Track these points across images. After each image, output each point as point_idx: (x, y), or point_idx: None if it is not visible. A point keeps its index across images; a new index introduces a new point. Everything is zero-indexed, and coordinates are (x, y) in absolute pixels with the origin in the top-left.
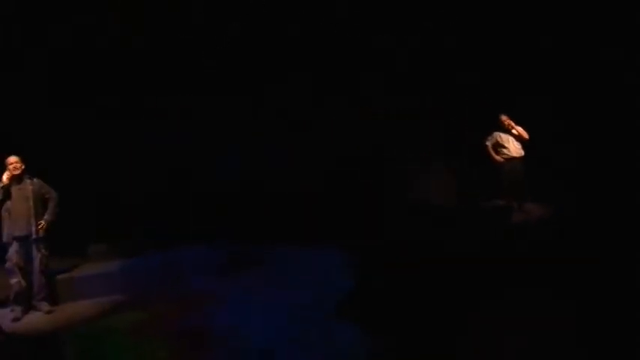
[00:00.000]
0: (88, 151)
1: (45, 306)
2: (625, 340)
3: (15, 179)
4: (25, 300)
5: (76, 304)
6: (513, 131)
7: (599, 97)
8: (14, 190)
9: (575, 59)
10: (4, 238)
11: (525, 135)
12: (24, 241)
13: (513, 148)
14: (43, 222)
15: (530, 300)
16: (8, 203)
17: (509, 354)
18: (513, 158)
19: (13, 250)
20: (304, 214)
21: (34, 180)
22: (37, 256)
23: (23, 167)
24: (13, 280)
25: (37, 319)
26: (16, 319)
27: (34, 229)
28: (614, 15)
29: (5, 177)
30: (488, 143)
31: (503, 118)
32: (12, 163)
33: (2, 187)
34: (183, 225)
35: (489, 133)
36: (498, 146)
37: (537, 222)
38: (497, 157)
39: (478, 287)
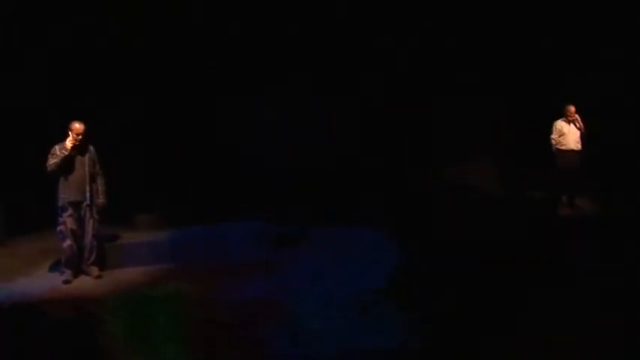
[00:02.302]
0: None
1: (94, 271)
2: None
3: (76, 147)
4: (76, 264)
5: (124, 270)
6: (576, 123)
7: None
8: (73, 156)
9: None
10: (59, 202)
11: (583, 128)
12: (77, 205)
13: (572, 140)
14: (99, 202)
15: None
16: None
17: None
18: (571, 151)
19: (67, 214)
20: (350, 196)
21: (90, 147)
22: (89, 221)
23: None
24: (66, 244)
25: (86, 283)
26: (66, 282)
27: (87, 194)
28: None
29: (69, 144)
30: (555, 137)
31: (572, 108)
32: (77, 131)
33: (66, 154)
34: (230, 202)
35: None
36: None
37: (584, 219)
38: (555, 149)
39: (518, 280)
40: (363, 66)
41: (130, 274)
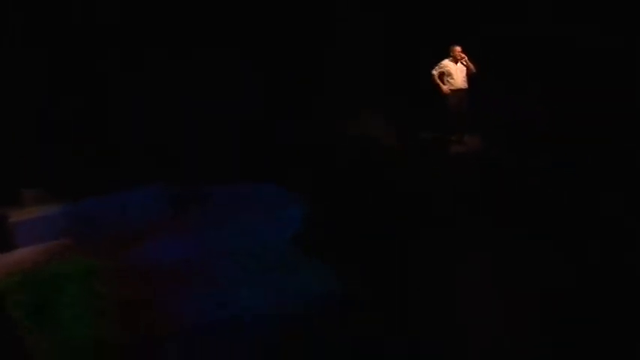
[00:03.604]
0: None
1: None
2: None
3: None
4: None
5: (18, 251)
6: (463, 62)
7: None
8: None
9: None
10: None
11: (473, 67)
12: None
13: (460, 79)
14: None
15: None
16: None
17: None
18: (459, 90)
19: None
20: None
21: None
22: None
23: None
24: None
25: None
26: None
27: None
28: None
29: None
30: (435, 72)
31: (458, 48)
32: None
33: None
34: (122, 169)
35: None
36: (444, 76)
37: (475, 154)
38: (444, 88)
39: (422, 219)
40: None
41: (25, 254)
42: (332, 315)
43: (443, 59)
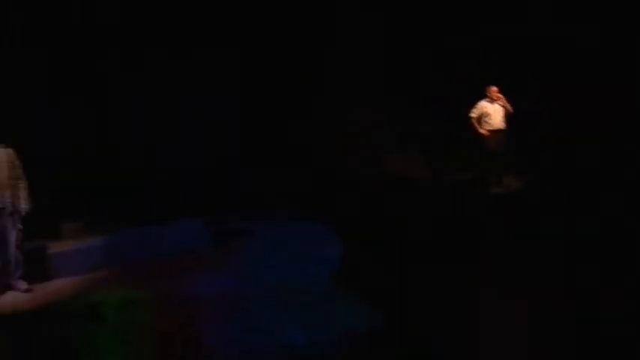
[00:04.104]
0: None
1: (23, 284)
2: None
3: None
4: (2, 278)
5: (55, 282)
6: (500, 102)
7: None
8: None
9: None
10: None
11: (510, 108)
12: None
13: (498, 120)
14: (22, 209)
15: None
16: None
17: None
18: (497, 130)
19: None
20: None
21: (9, 150)
22: (11, 232)
23: None
24: None
25: (16, 298)
26: None
27: (8, 200)
28: None
29: None
30: (474, 115)
31: (494, 88)
32: None
33: None
34: (157, 203)
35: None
36: (482, 117)
37: (515, 195)
38: (482, 130)
39: (459, 257)
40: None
41: (62, 285)
42: (369, 352)
43: (479, 100)
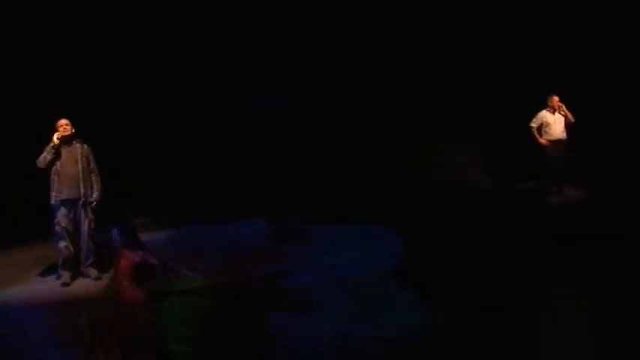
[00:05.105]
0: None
1: (93, 272)
2: None
3: (64, 141)
4: (74, 266)
5: None
6: (561, 111)
7: None
8: (64, 151)
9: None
10: (52, 200)
11: (571, 117)
12: (72, 204)
13: (559, 130)
14: (93, 199)
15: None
16: (57, 165)
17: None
18: (558, 140)
19: (62, 213)
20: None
21: (84, 145)
22: (85, 221)
23: (73, 130)
24: (62, 245)
25: (86, 284)
26: (65, 285)
27: (83, 192)
28: None
29: (55, 137)
30: (534, 125)
31: (555, 98)
32: (62, 125)
33: (52, 147)
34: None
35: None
36: (543, 127)
37: (574, 206)
38: (542, 140)
39: (518, 259)
40: None
41: None
42: (425, 349)
43: (540, 110)
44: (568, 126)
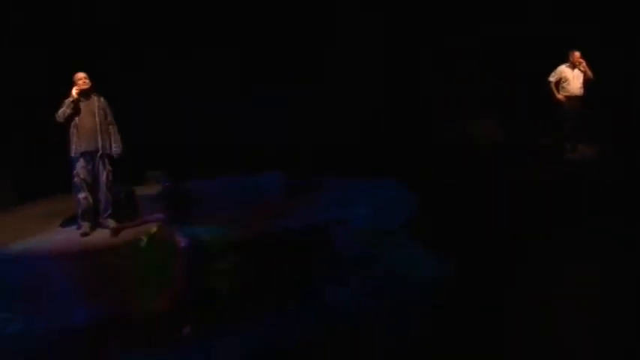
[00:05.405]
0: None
1: (111, 223)
2: None
3: (83, 94)
4: (92, 216)
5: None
6: (581, 67)
7: None
8: (82, 105)
9: None
10: (72, 153)
11: (591, 74)
12: (91, 156)
13: (576, 85)
14: (114, 151)
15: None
16: (76, 119)
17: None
18: (575, 96)
19: (80, 165)
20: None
21: (101, 98)
22: (103, 172)
23: (90, 84)
24: (81, 196)
25: (105, 234)
26: (85, 235)
27: (101, 144)
28: None
29: (74, 91)
30: (552, 79)
31: (577, 54)
32: (81, 78)
33: (72, 102)
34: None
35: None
36: (561, 82)
37: (588, 163)
38: (559, 96)
39: (531, 215)
40: None
41: (148, 225)
42: (437, 301)
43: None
44: (587, 82)
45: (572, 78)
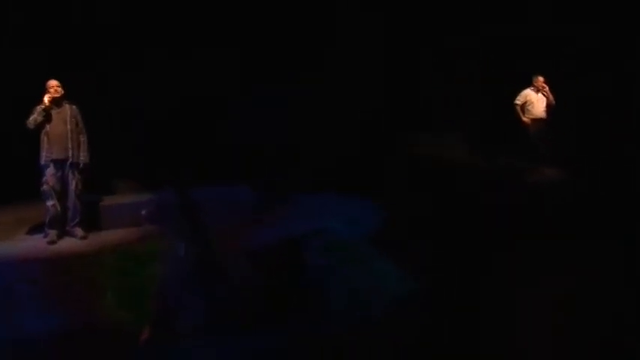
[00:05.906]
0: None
1: (79, 232)
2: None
3: (55, 102)
4: (60, 224)
5: (110, 232)
6: (544, 92)
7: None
8: (54, 113)
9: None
10: (42, 160)
11: (552, 99)
12: (61, 164)
13: (540, 109)
14: (82, 160)
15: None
16: (47, 126)
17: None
18: (539, 119)
19: (50, 172)
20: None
21: (73, 106)
22: (72, 181)
23: (63, 92)
24: (49, 203)
25: (72, 243)
26: (51, 243)
27: (71, 152)
28: None
29: (46, 99)
30: (519, 102)
31: (541, 78)
32: (53, 86)
33: (43, 109)
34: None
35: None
36: (526, 105)
37: (551, 184)
38: (525, 118)
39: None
40: None
41: (117, 234)
42: (402, 315)
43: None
44: (549, 107)
45: (536, 101)
